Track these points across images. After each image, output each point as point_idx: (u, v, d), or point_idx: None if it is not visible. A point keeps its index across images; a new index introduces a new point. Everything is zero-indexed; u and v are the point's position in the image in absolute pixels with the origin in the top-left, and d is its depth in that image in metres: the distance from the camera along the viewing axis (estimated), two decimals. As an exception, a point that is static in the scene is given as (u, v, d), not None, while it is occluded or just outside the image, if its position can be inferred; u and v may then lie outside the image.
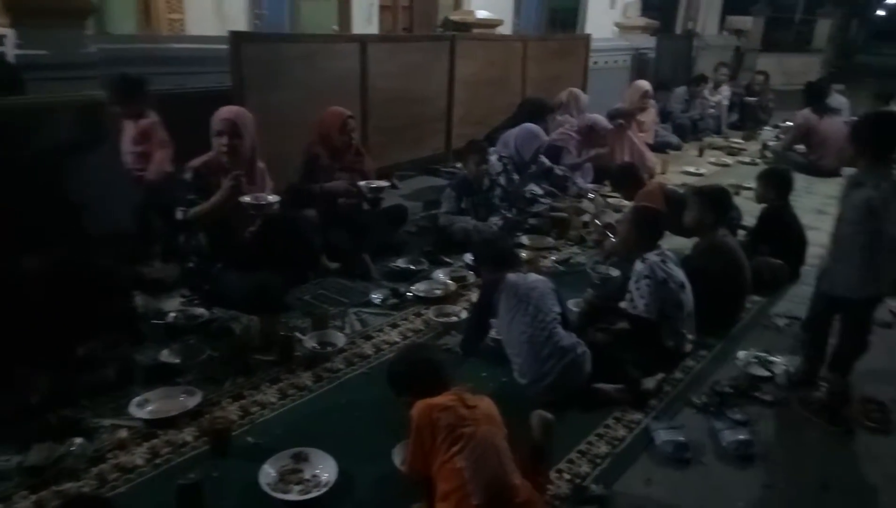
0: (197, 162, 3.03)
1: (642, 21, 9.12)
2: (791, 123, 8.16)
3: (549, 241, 4.44)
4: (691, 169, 6.62)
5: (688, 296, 2.99)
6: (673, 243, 3.45)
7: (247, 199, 3.03)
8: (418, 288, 3.57)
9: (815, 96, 6.97)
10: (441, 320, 3.23)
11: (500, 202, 4.59)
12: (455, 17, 6.36)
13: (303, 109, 4.37)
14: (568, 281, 3.84)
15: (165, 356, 2.80)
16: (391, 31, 8.81)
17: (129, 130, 3.85)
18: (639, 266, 2.97)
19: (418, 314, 3.36)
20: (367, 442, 2.36)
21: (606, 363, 2.73)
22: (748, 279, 3.34)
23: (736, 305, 3.35)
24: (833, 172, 6.77)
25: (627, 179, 4.50)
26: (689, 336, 3.01)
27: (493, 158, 4.70)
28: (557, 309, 2.72)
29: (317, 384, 2.73)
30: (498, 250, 2.98)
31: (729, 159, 7.23)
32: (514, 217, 4.67)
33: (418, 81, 5.36)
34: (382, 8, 9.08)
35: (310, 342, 2.94)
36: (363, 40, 4.72)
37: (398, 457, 2.19)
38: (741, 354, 3.05)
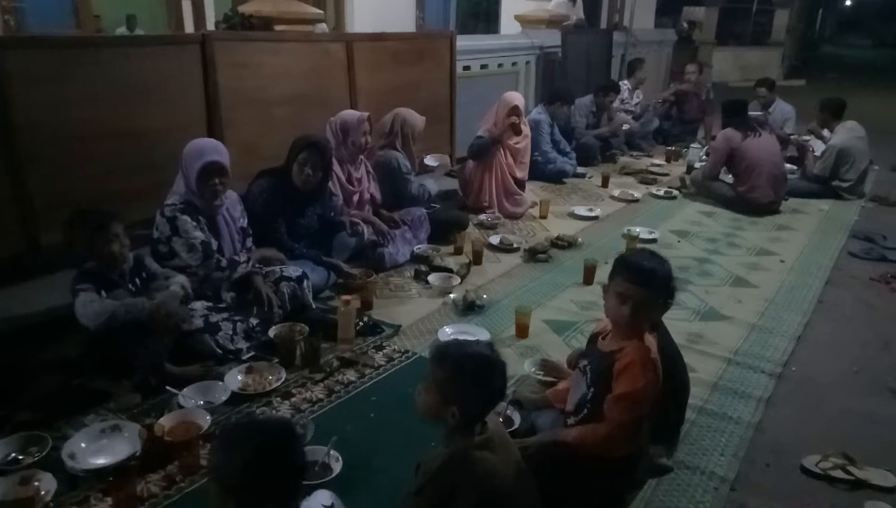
0: None
1: (545, 13, 7.36)
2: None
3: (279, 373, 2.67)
4: (583, 210, 4.92)
5: None
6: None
7: None
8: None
9: (734, 115, 5.24)
10: None
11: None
12: (248, 8, 4.55)
13: None
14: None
15: None
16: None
17: None
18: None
19: None
20: None
21: None
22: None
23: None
24: (770, 208, 5.14)
25: None
26: None
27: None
28: None
29: None
30: None
31: (639, 191, 5.54)
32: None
33: (149, 102, 3.60)
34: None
35: None
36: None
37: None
38: None
